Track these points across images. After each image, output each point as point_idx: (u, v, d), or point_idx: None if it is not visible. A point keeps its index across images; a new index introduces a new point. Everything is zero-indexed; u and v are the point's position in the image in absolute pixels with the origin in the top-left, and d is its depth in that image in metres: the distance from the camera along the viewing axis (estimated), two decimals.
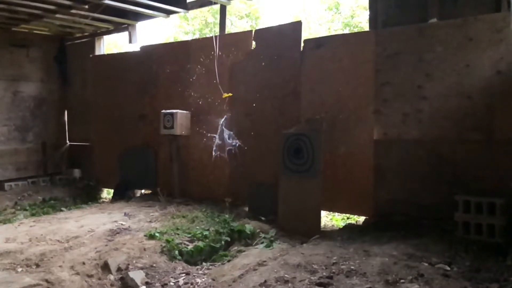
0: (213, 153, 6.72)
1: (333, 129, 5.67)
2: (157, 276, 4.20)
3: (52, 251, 4.47)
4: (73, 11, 7.45)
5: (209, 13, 17.85)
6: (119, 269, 4.23)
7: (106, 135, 8.53)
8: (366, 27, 12.79)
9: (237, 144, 6.48)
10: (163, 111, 7.02)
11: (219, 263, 4.60)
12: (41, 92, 9.24)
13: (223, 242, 5.15)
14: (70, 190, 8.54)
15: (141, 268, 4.27)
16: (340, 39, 6.06)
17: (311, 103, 5.95)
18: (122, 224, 5.53)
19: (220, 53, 6.68)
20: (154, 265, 4.40)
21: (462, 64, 4.92)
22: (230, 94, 6.66)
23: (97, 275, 4.12)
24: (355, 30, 14.80)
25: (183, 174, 7.24)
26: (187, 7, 7.83)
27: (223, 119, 6.77)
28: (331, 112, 5.74)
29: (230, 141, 6.54)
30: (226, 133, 6.63)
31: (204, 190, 7.07)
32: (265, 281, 3.59)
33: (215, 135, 6.78)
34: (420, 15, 5.46)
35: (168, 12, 8.00)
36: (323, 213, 6.12)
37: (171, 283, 4.05)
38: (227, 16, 8.60)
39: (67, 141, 9.65)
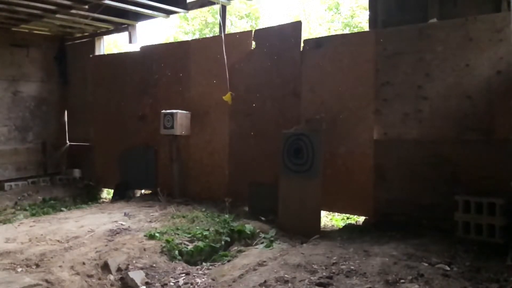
0: None
1: (333, 129, 5.66)
2: (157, 276, 4.20)
3: (52, 251, 4.46)
4: (73, 11, 7.45)
5: (209, 13, 17.88)
6: (119, 269, 4.23)
7: (106, 135, 8.53)
8: (366, 27, 12.77)
9: None
10: (163, 111, 7.02)
11: (219, 263, 4.60)
12: (41, 92, 9.25)
13: (223, 242, 5.15)
14: (70, 190, 8.55)
15: (141, 268, 4.27)
16: (340, 39, 6.06)
17: (311, 103, 5.95)
18: (122, 224, 5.53)
19: (220, 53, 6.67)
20: (154, 265, 4.40)
21: (462, 64, 4.91)
22: (230, 101, 6.60)
23: (97, 275, 4.12)
24: (355, 30, 14.79)
25: (183, 174, 7.24)
26: (187, 7, 7.84)
27: None
28: (331, 112, 5.74)
29: None
30: None
31: (204, 190, 7.07)
32: (265, 281, 3.58)
33: None
34: (420, 15, 5.46)
35: (168, 12, 8.01)
36: (323, 213, 6.12)
37: (171, 283, 4.04)
38: (227, 16, 8.61)
39: (67, 141, 9.65)
